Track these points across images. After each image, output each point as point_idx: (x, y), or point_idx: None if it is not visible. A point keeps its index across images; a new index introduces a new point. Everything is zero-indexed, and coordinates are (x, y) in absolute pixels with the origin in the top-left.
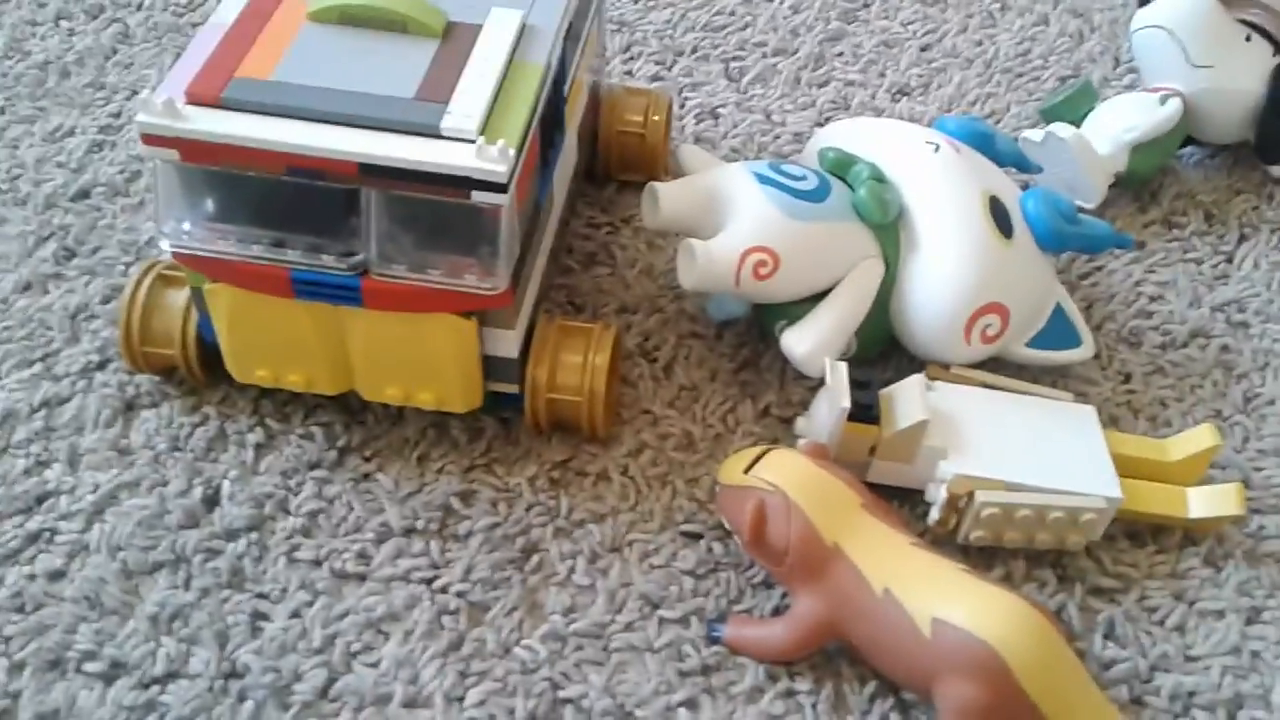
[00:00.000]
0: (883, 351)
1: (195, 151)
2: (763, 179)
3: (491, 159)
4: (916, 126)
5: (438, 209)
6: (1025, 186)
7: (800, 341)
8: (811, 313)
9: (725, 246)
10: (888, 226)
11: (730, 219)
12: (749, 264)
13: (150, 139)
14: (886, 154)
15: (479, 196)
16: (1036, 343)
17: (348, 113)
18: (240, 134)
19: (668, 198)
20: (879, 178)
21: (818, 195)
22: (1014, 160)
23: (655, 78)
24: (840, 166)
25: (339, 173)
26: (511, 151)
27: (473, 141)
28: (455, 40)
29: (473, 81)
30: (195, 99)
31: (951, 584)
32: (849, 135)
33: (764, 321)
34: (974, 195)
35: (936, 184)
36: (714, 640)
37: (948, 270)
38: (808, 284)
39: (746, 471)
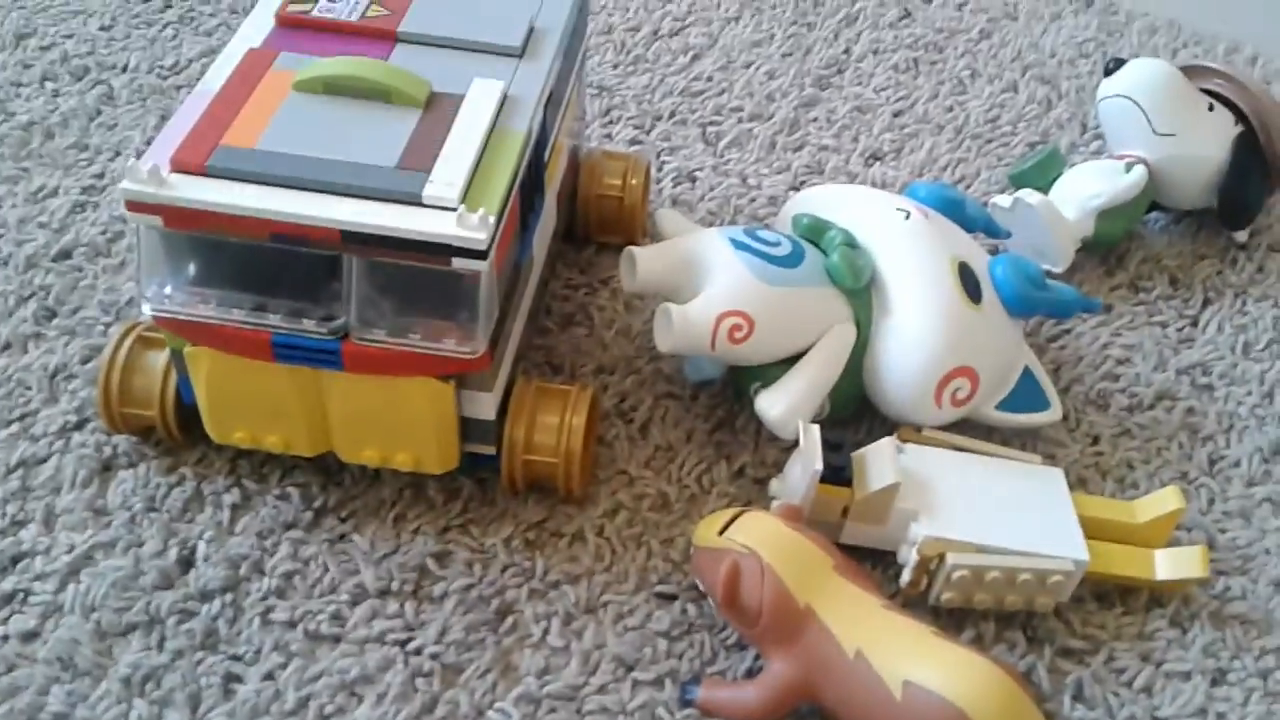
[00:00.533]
0: (855, 412)
1: (179, 218)
2: (738, 244)
3: (472, 227)
4: (887, 193)
5: (418, 275)
6: (994, 251)
7: (774, 405)
8: (784, 376)
9: (701, 310)
10: (860, 291)
11: (706, 283)
12: (724, 327)
13: (134, 205)
14: (858, 220)
15: (459, 263)
16: (1006, 405)
17: (331, 180)
18: (224, 201)
19: (645, 262)
20: (851, 243)
21: (791, 261)
22: (983, 225)
23: (634, 141)
24: (814, 232)
25: (322, 239)
26: (491, 219)
27: (454, 210)
28: (438, 110)
29: (454, 150)
30: (180, 166)
31: (922, 646)
32: (822, 201)
33: (739, 383)
34: (943, 261)
35: (907, 250)
36: (687, 703)
37: (918, 334)
38: (782, 347)
39: (721, 533)
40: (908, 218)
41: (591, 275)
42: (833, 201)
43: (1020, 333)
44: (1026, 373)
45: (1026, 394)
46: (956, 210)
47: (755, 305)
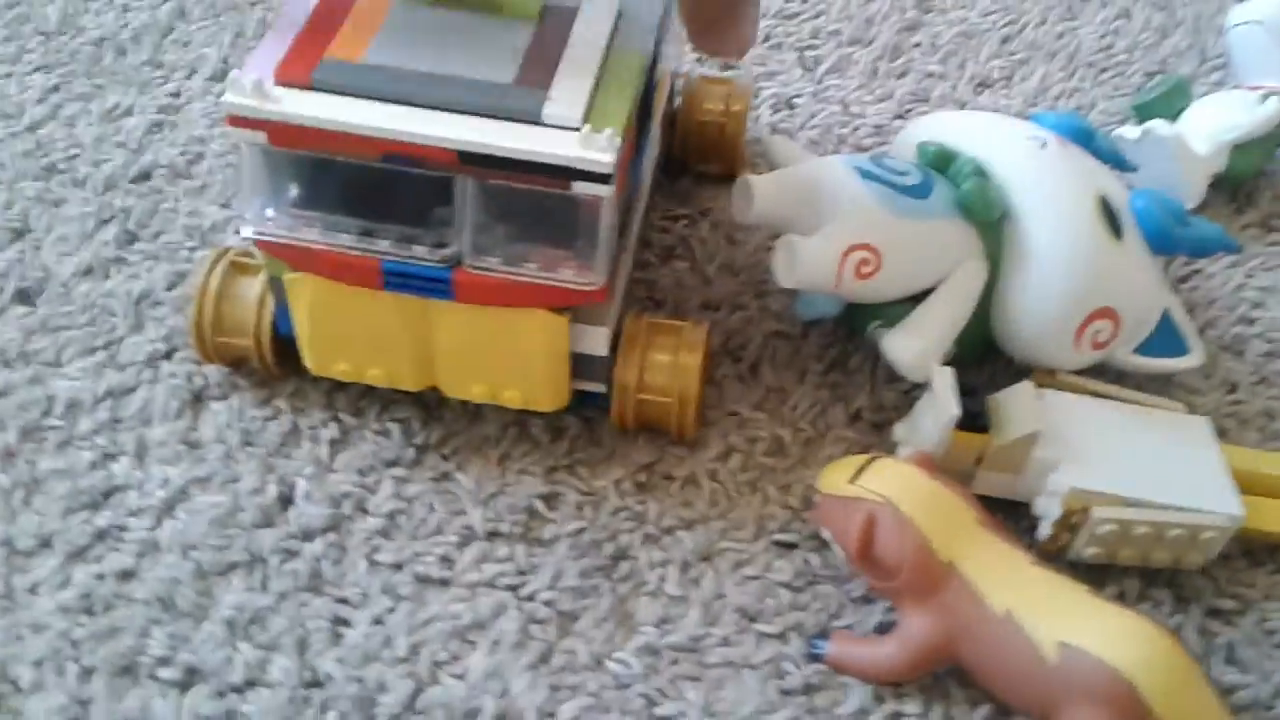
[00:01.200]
0: (979, 356)
1: (285, 134)
2: (865, 173)
3: (598, 148)
4: (1020, 121)
5: (534, 200)
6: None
7: (906, 347)
8: (914, 314)
9: (827, 243)
10: (993, 225)
11: (830, 215)
12: (851, 262)
13: (237, 120)
14: (990, 149)
15: (580, 187)
16: (1144, 349)
17: (446, 97)
18: (333, 118)
19: (763, 192)
20: (983, 173)
21: (921, 191)
22: (1112, 159)
23: (728, 66)
24: (941, 162)
25: (437, 160)
26: (618, 140)
27: (577, 129)
28: (552, 24)
29: (573, 67)
30: (285, 80)
31: (1080, 607)
32: (946, 129)
33: (855, 321)
34: (1085, 194)
35: (1046, 182)
36: (815, 658)
37: (1059, 272)
38: (910, 284)
39: (852, 481)
40: (1044, 147)
41: (691, 206)
42: (959, 129)
43: (1161, 273)
44: (1166, 316)
45: (1166, 338)
46: (1086, 141)
47: (884, 238)
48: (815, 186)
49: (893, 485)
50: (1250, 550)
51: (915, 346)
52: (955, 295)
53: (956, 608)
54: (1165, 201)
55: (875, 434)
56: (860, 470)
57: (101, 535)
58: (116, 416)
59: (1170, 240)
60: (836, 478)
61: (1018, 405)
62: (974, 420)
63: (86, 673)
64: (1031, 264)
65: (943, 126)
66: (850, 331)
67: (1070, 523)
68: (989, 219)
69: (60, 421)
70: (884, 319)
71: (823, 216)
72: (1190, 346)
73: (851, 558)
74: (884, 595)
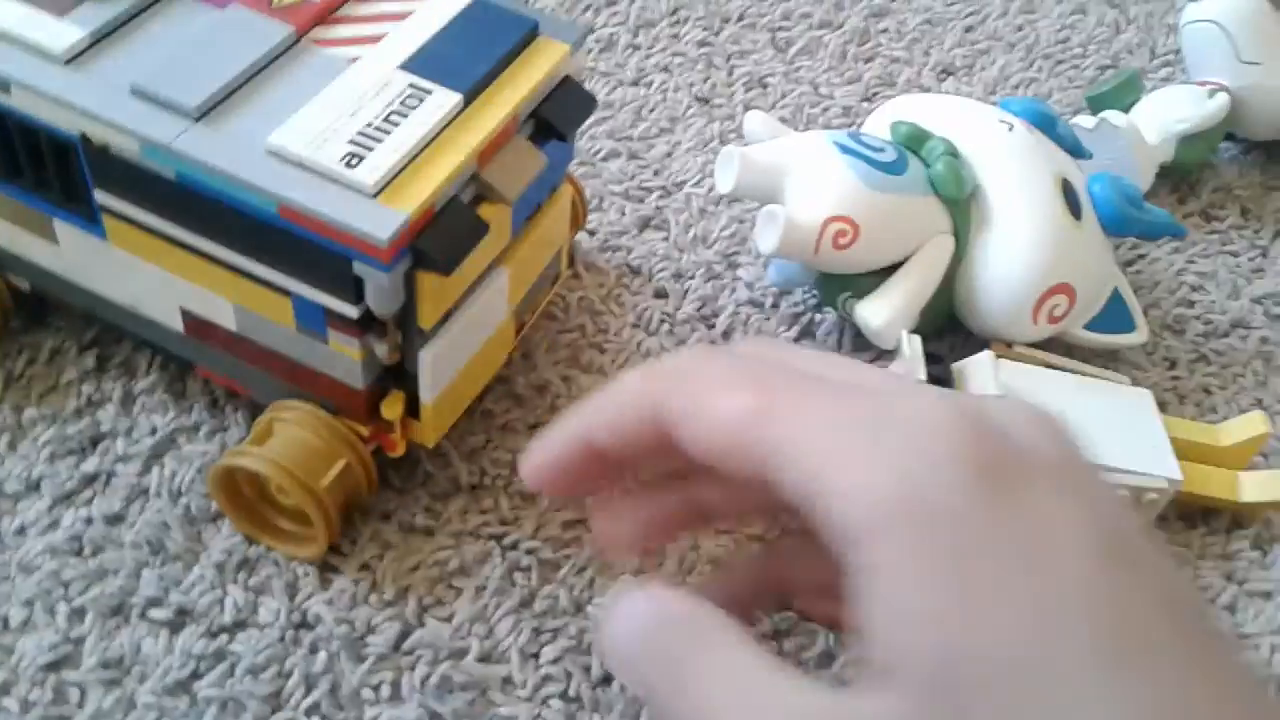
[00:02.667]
0: (937, 328)
1: None
2: (844, 148)
3: None
4: (988, 105)
5: None
6: None
7: (876, 314)
8: (885, 285)
9: (808, 214)
10: (961, 203)
11: (810, 187)
12: (830, 232)
13: None
14: (960, 130)
15: None
16: (1094, 325)
17: None
18: None
19: (746, 163)
20: (954, 153)
21: (897, 168)
22: (1070, 145)
23: (703, 43)
24: (914, 140)
25: None
26: None
27: None
28: None
29: None
30: None
31: None
32: (918, 110)
33: (825, 293)
34: (1047, 176)
35: (1011, 163)
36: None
37: (1021, 249)
38: (883, 256)
39: None
40: (1010, 130)
41: (665, 179)
42: (931, 111)
43: (1112, 253)
44: (1115, 294)
45: (1114, 315)
46: (1048, 127)
47: (861, 211)
48: (794, 159)
49: None
50: (1185, 514)
51: (885, 314)
52: (924, 268)
53: None
54: (1122, 186)
55: None
56: None
57: (90, 480)
58: (103, 366)
59: (1125, 223)
60: None
61: (979, 373)
62: (942, 387)
63: (77, 613)
64: (996, 240)
65: (915, 108)
66: (820, 304)
67: None
68: (959, 197)
69: (45, 369)
70: (853, 290)
71: (800, 189)
72: (1136, 324)
73: None
74: None
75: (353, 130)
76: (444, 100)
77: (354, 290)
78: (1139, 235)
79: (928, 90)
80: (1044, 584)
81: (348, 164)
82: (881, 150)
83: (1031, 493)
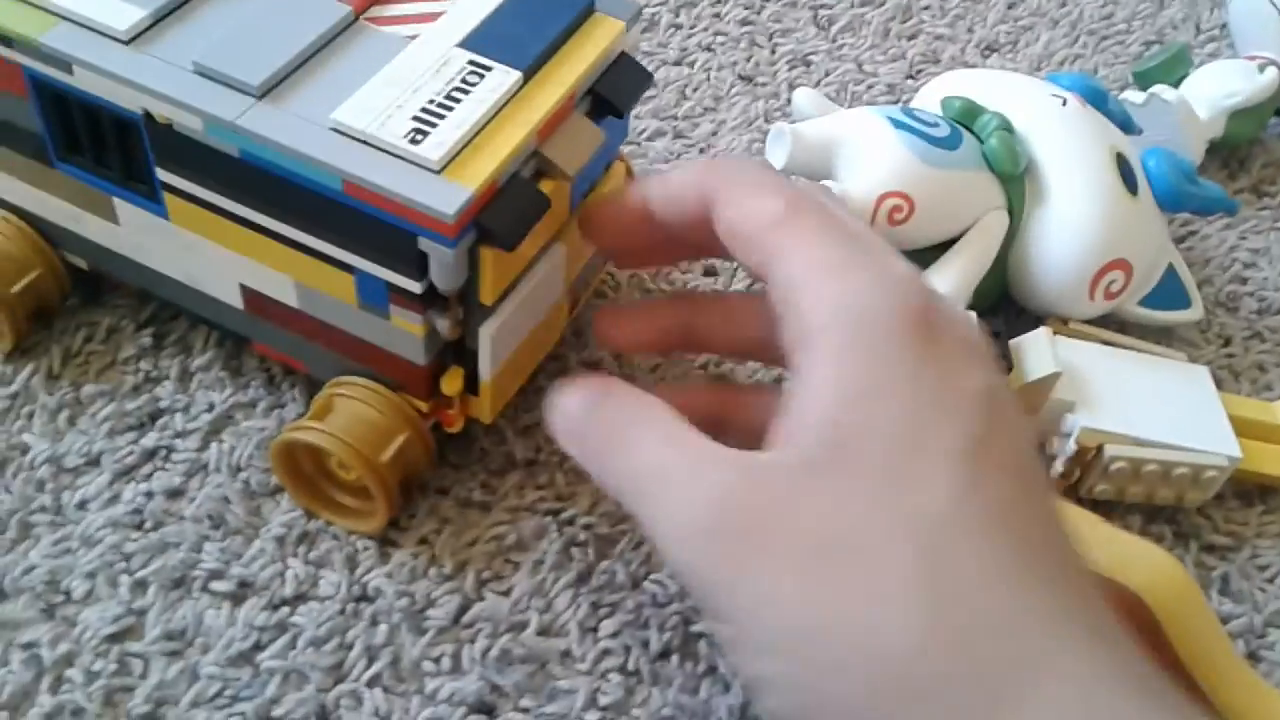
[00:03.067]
0: (991, 306)
1: None
2: (897, 123)
3: None
4: (1041, 80)
5: None
6: None
7: None
8: (939, 262)
9: (863, 190)
10: (1015, 178)
11: (863, 163)
12: (885, 208)
13: None
14: (1013, 105)
15: None
16: (1149, 302)
17: None
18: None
19: (799, 139)
20: (1008, 128)
21: (951, 143)
22: (1121, 121)
23: (744, 22)
24: (967, 115)
25: None
26: None
27: None
28: None
29: None
30: None
31: (1090, 532)
32: (969, 85)
33: None
34: (1103, 150)
35: (1066, 137)
36: None
37: (1078, 224)
38: (937, 232)
39: None
40: (1064, 105)
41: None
42: (983, 85)
43: (1167, 228)
44: (1170, 270)
45: (1169, 291)
46: (1099, 102)
47: (916, 186)
48: (847, 135)
49: None
50: (1242, 491)
51: (941, 290)
52: (979, 244)
53: None
54: (1177, 161)
55: None
56: None
57: (149, 455)
58: (160, 343)
59: (1181, 198)
60: None
61: (1036, 349)
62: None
63: (139, 585)
64: (1052, 216)
65: (966, 83)
66: None
67: (1083, 461)
68: (1014, 172)
69: (102, 347)
70: None
71: (853, 165)
72: (1192, 300)
73: None
74: None
75: (415, 107)
76: (503, 77)
77: (418, 266)
78: (1193, 210)
79: (972, 67)
80: (936, 406)
81: (412, 140)
82: (935, 125)
83: (951, 358)
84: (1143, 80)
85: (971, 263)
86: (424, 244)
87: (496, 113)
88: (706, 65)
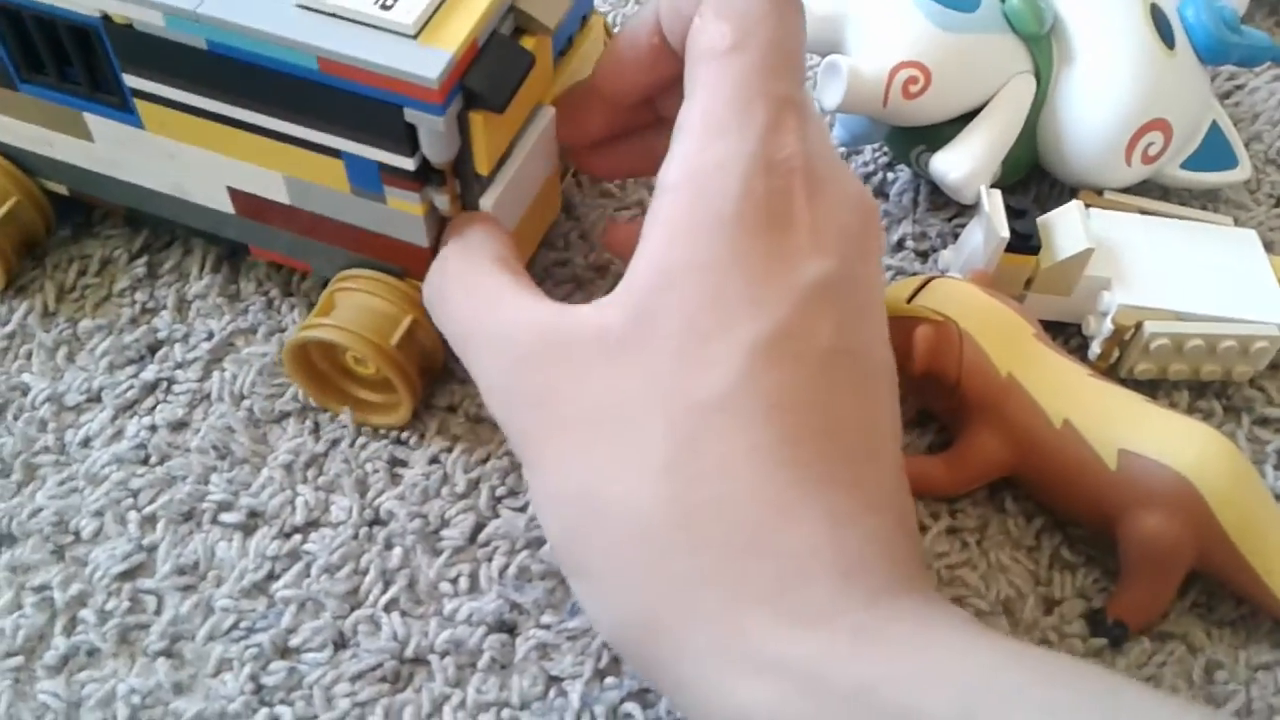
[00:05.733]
0: (1022, 179)
1: None
2: None
3: None
4: None
5: None
6: None
7: (956, 165)
8: (963, 134)
9: (874, 62)
10: (1041, 38)
11: (873, 33)
12: (899, 80)
13: None
14: None
15: None
16: (1191, 163)
17: None
18: None
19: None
20: None
21: (968, 5)
22: None
23: None
24: None
25: None
26: None
27: None
28: None
29: None
30: None
31: (1136, 414)
32: None
33: (896, 147)
34: (1134, 2)
35: None
36: None
37: (1112, 84)
38: (958, 103)
39: (909, 301)
40: None
41: None
42: None
43: (1209, 83)
44: (1213, 128)
45: (1213, 151)
46: None
47: (932, 55)
48: (856, 3)
49: (951, 303)
50: None
51: (965, 165)
52: (1004, 113)
53: (1016, 420)
54: (1217, 8)
55: (920, 261)
56: (917, 291)
57: (150, 388)
58: (154, 272)
59: (1223, 49)
60: (894, 299)
61: (1067, 225)
62: (1024, 243)
63: (148, 520)
64: (1083, 76)
65: None
66: (891, 160)
67: (1121, 340)
68: (1038, 32)
69: (96, 280)
70: (928, 142)
71: (866, 35)
72: (1239, 158)
73: (910, 376)
74: (940, 413)
75: None
76: None
77: (408, 140)
78: (1237, 62)
79: None
80: (748, 295)
81: (382, 6)
82: None
83: (793, 248)
84: None
85: (997, 133)
86: (411, 115)
87: None
88: None
